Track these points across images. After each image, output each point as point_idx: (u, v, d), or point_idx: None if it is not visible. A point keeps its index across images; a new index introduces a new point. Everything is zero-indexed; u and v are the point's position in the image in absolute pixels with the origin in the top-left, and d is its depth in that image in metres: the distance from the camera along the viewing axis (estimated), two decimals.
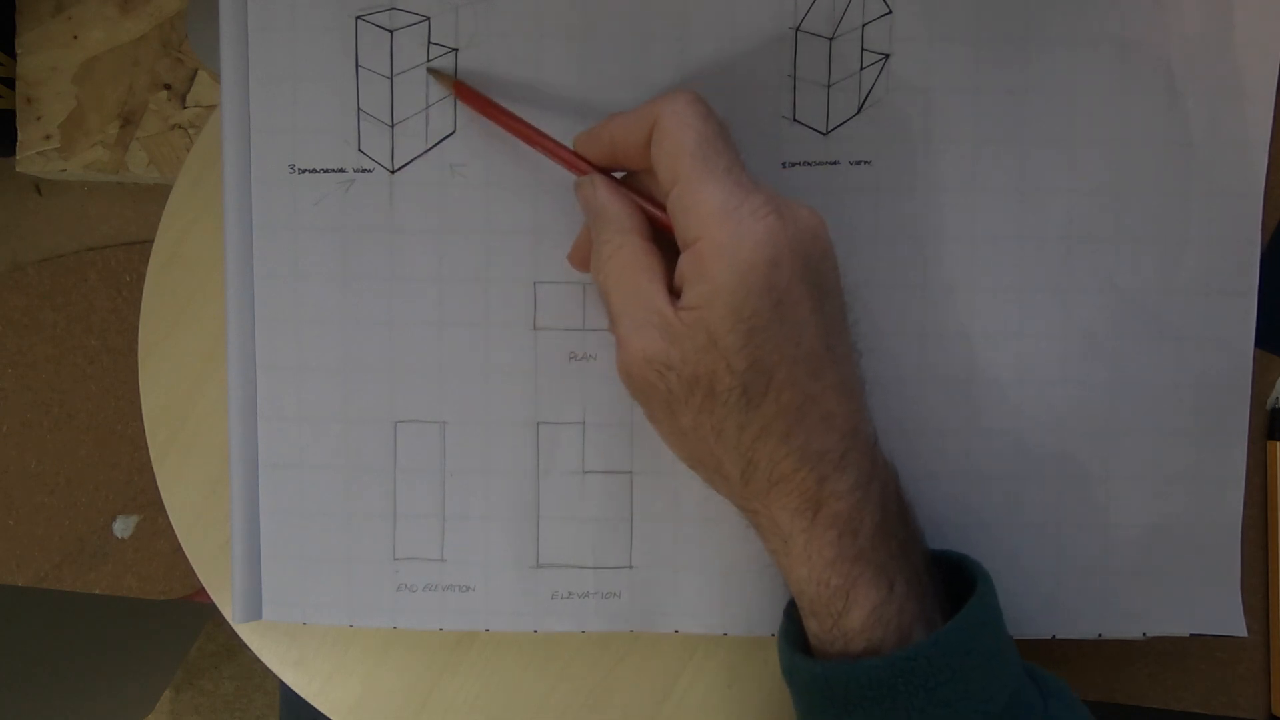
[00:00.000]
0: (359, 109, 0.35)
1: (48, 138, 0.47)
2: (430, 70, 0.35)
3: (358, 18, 0.35)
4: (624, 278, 0.29)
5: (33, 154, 0.48)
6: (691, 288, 0.27)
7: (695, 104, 0.28)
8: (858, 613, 0.28)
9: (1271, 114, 0.34)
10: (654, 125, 0.28)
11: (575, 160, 0.32)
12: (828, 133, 0.35)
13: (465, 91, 0.34)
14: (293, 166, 0.36)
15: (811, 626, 0.30)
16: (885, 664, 0.27)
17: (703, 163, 0.27)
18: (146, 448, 0.40)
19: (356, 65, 0.35)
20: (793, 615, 0.32)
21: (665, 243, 0.30)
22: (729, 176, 0.27)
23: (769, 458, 0.28)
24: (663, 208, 0.29)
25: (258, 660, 0.39)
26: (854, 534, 0.28)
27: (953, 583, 0.31)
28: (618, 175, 0.32)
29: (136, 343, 0.41)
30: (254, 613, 0.37)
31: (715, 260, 0.27)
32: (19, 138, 0.48)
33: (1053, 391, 0.35)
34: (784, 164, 0.35)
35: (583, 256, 0.33)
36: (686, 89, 0.29)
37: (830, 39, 0.35)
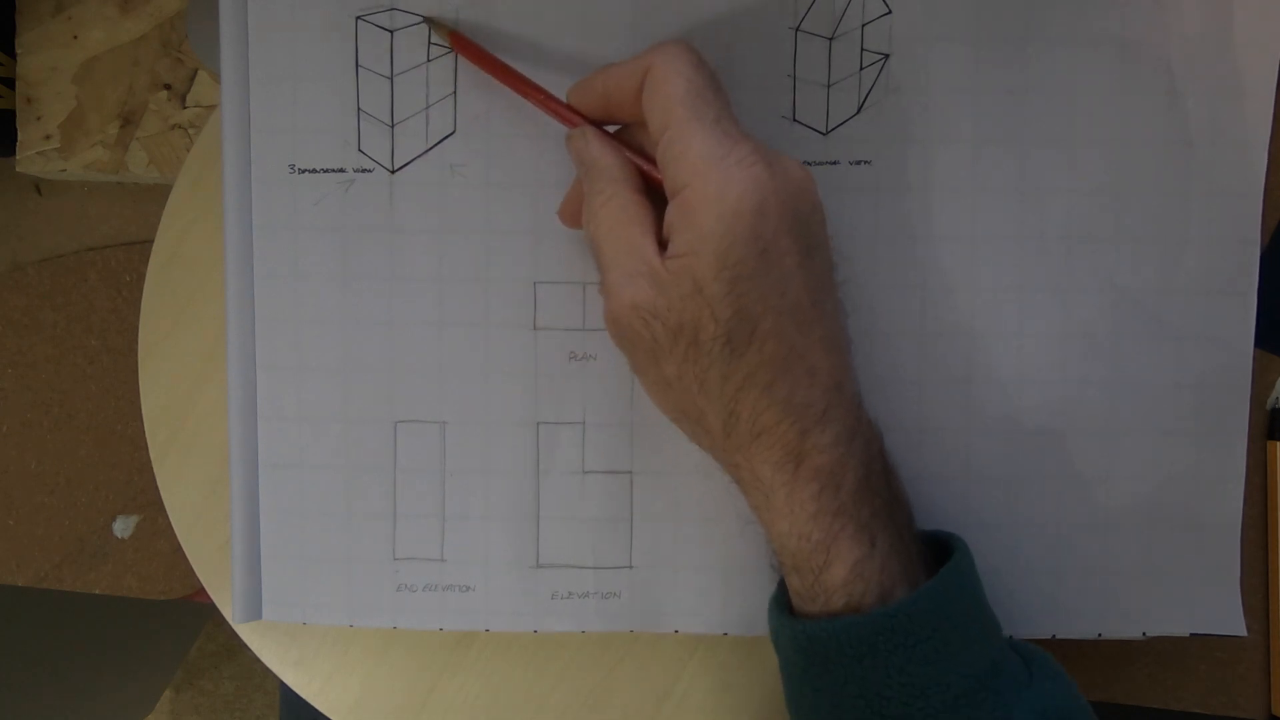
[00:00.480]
0: (359, 109, 0.35)
1: (48, 138, 0.47)
2: (427, 20, 0.35)
3: (358, 18, 0.35)
4: (614, 229, 0.29)
5: (33, 154, 0.48)
6: (678, 236, 0.27)
7: (687, 53, 0.28)
8: (839, 568, 0.28)
9: (1271, 114, 0.34)
10: (646, 74, 0.28)
11: (568, 113, 0.32)
12: (827, 133, 0.35)
13: (462, 42, 0.34)
14: (293, 166, 0.36)
15: (793, 583, 0.30)
16: (865, 621, 0.27)
17: (692, 111, 0.27)
18: (146, 448, 0.40)
19: (356, 65, 0.35)
20: (785, 584, 0.32)
21: (656, 196, 0.30)
22: (718, 126, 0.27)
23: (751, 408, 0.28)
24: (654, 161, 0.29)
25: (258, 660, 0.39)
26: (836, 488, 0.28)
27: (939, 557, 0.31)
28: (610, 130, 0.32)
29: (136, 343, 0.41)
30: (254, 613, 0.37)
31: (702, 207, 0.27)
32: (19, 138, 0.48)
33: (1053, 391, 0.35)
34: None
35: (573, 211, 0.33)
36: (679, 39, 0.29)
37: (830, 39, 0.35)
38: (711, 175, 0.27)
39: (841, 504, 0.28)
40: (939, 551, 0.31)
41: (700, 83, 0.28)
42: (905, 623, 0.27)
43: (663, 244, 0.28)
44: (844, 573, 0.28)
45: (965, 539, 0.31)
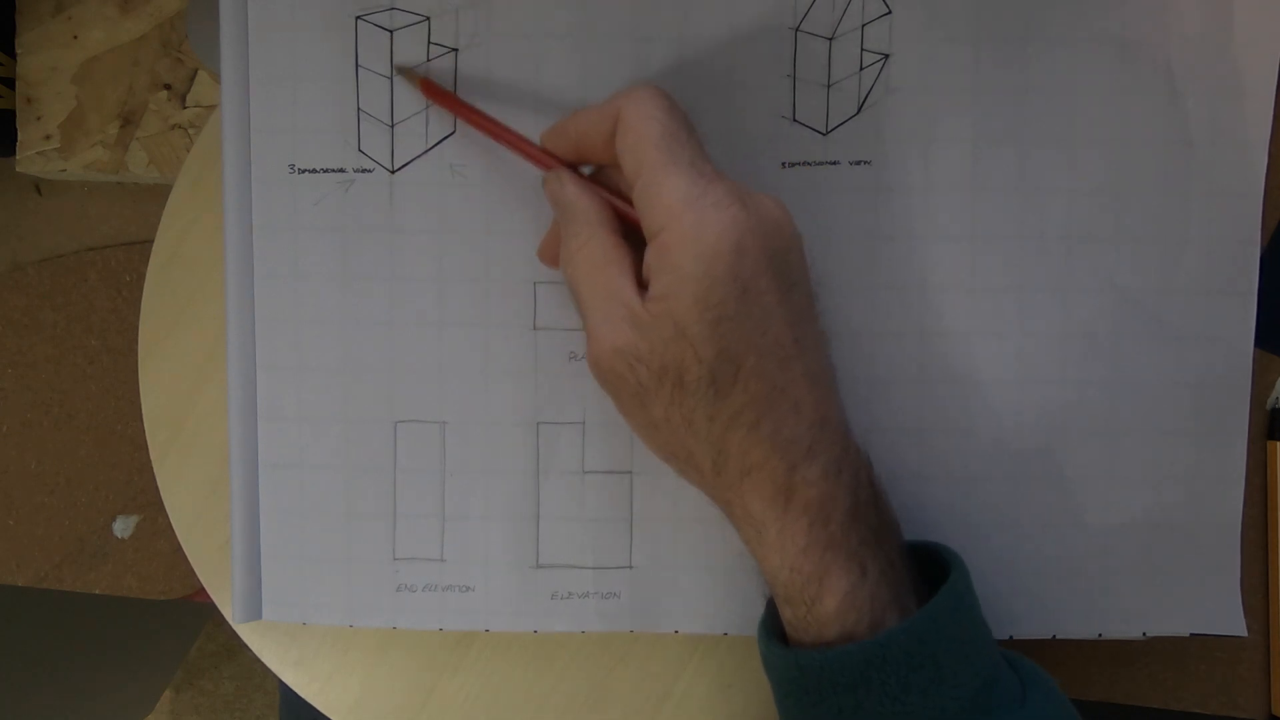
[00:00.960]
0: (359, 109, 0.35)
1: (48, 138, 0.47)
2: (398, 69, 0.35)
3: (358, 18, 0.35)
4: (592, 272, 0.29)
5: (33, 154, 0.48)
6: (658, 279, 0.28)
7: (658, 97, 0.29)
8: (830, 599, 0.28)
9: (1271, 114, 0.34)
10: (617, 119, 0.29)
11: (542, 156, 0.32)
12: (827, 133, 0.35)
13: (432, 89, 0.34)
14: (293, 166, 0.36)
15: (786, 614, 0.30)
16: (857, 650, 0.27)
17: (666, 154, 0.28)
18: (146, 448, 0.40)
19: (356, 65, 0.35)
20: (773, 606, 0.32)
21: (633, 236, 0.30)
22: (692, 168, 0.28)
23: (739, 447, 0.28)
24: (629, 201, 0.29)
25: (258, 660, 0.39)
26: (825, 521, 0.28)
27: (930, 572, 0.31)
28: (585, 170, 0.32)
29: (136, 343, 0.41)
30: (254, 613, 0.37)
31: (680, 250, 0.27)
32: (19, 138, 0.48)
33: (1053, 391, 0.35)
34: (784, 164, 0.35)
35: (552, 253, 0.33)
36: (648, 83, 0.29)
37: (830, 39, 0.35)
38: (688, 217, 0.27)
39: (831, 535, 0.28)
40: (930, 565, 0.31)
41: (673, 125, 0.28)
42: (897, 652, 0.27)
43: (642, 285, 0.29)
44: (836, 603, 0.28)
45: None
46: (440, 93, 0.34)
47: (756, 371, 0.27)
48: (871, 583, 0.28)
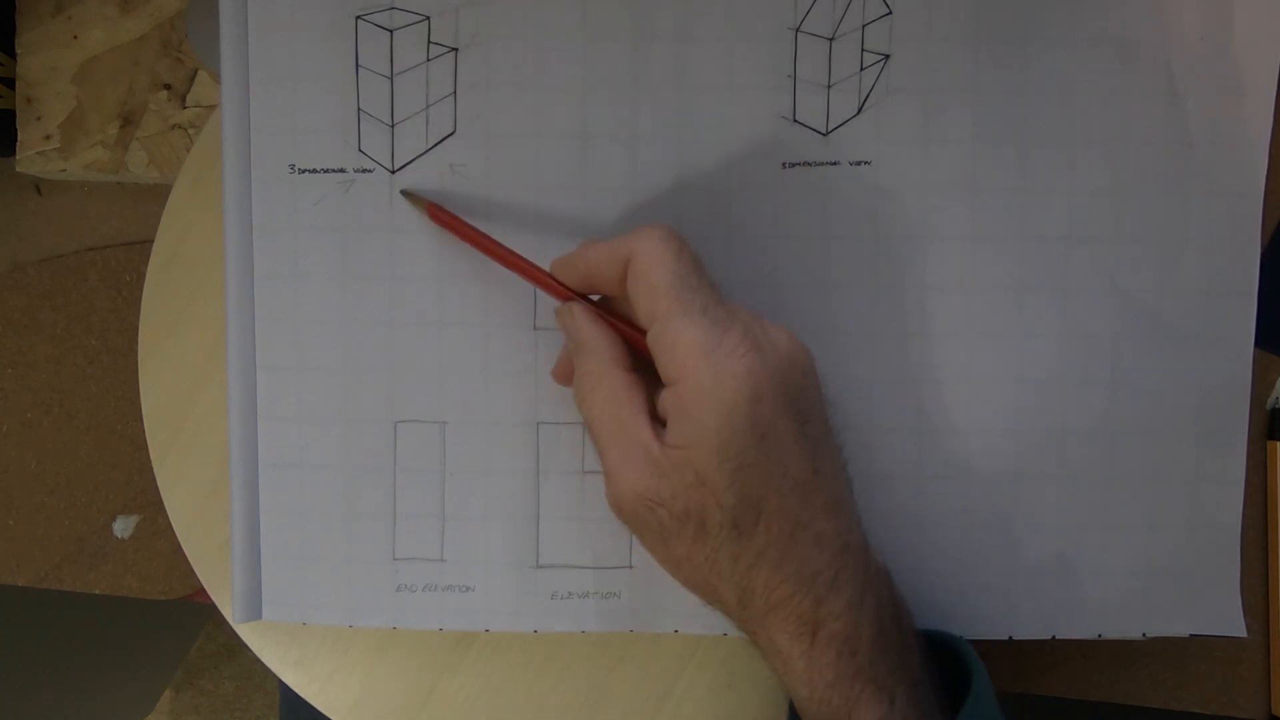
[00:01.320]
0: (359, 109, 0.35)
1: (48, 138, 0.47)
2: (404, 194, 0.35)
3: (358, 17, 0.35)
4: (608, 411, 0.29)
5: (33, 154, 0.48)
6: (676, 427, 0.28)
7: (668, 240, 0.29)
8: None
9: (1271, 114, 0.34)
10: (628, 261, 0.29)
11: (554, 285, 0.32)
12: (828, 133, 0.35)
13: (440, 215, 0.34)
14: (293, 166, 0.36)
15: None
16: None
17: (678, 302, 0.28)
18: (146, 448, 0.40)
19: (356, 65, 0.35)
20: (795, 715, 0.32)
21: (647, 368, 0.30)
22: (706, 316, 0.28)
23: (764, 585, 0.28)
24: (643, 331, 0.29)
25: (258, 660, 0.39)
26: (853, 652, 0.28)
27: (946, 666, 0.31)
28: (595, 297, 0.32)
29: (136, 343, 0.41)
30: (254, 613, 0.37)
31: (698, 402, 0.27)
32: (19, 138, 0.48)
33: (1052, 392, 0.35)
34: (784, 164, 0.35)
35: (565, 375, 0.34)
36: (658, 224, 0.29)
37: (830, 39, 0.35)
38: (704, 369, 0.27)
39: (859, 666, 0.28)
40: (947, 658, 0.31)
41: (683, 270, 0.28)
42: None
43: (658, 419, 0.29)
44: None
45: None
46: (449, 218, 0.34)
47: (778, 512, 0.28)
48: (900, 710, 0.28)
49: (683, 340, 0.27)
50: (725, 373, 0.27)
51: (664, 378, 0.28)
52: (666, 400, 0.28)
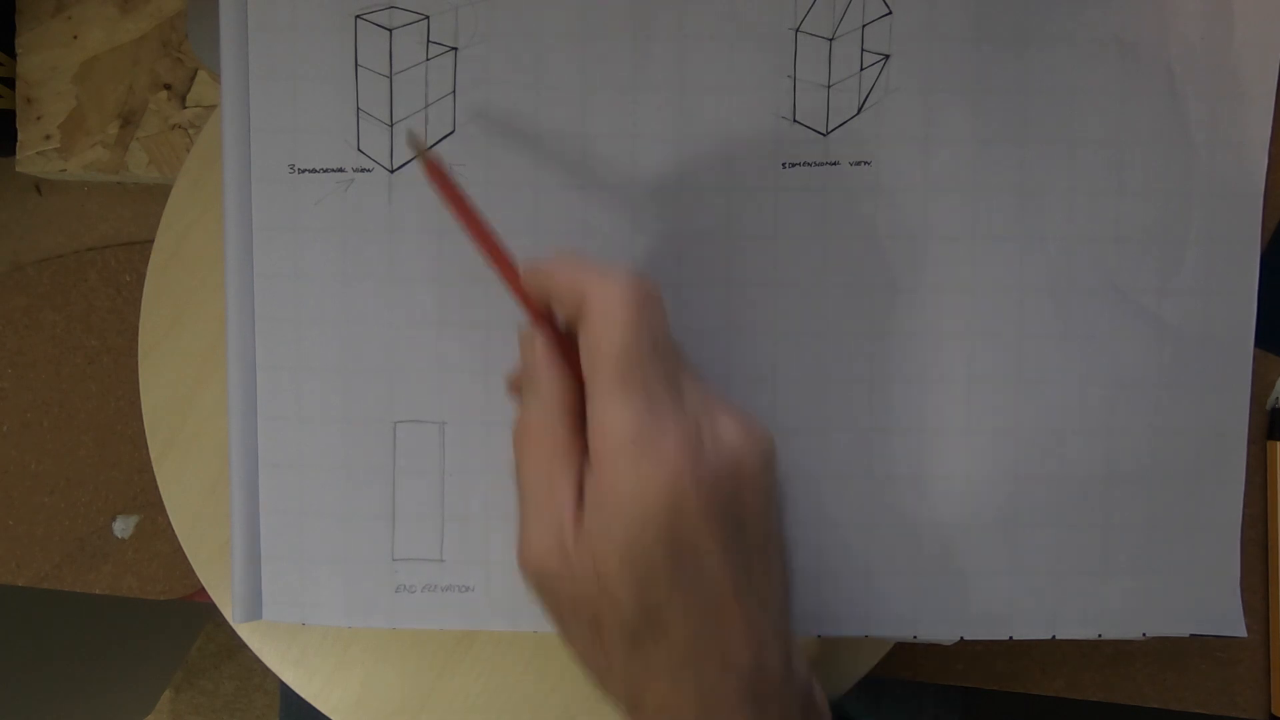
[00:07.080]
0: (359, 108, 0.35)
1: (48, 138, 0.47)
2: (409, 136, 0.33)
3: (357, 17, 0.35)
4: (539, 469, 0.27)
5: (33, 154, 0.48)
6: (591, 516, 0.26)
7: (627, 300, 0.26)
8: None
9: (1271, 114, 0.34)
10: (583, 305, 0.27)
11: (521, 293, 0.29)
12: (828, 133, 0.35)
13: (438, 174, 0.31)
14: (293, 166, 0.36)
15: None
16: None
17: (618, 379, 0.25)
18: (146, 448, 0.40)
19: (356, 65, 0.35)
20: None
21: None
22: (646, 397, 0.25)
23: (657, 701, 0.26)
24: None
25: (258, 660, 0.39)
26: None
27: None
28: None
29: (136, 343, 0.41)
30: (254, 613, 0.37)
31: (612, 504, 0.25)
32: (19, 138, 0.48)
33: (1053, 392, 0.35)
34: (784, 164, 0.35)
35: (518, 387, 0.32)
36: (625, 275, 0.26)
37: (830, 39, 0.35)
38: (627, 468, 0.25)
39: None
40: None
41: (636, 339, 0.25)
42: None
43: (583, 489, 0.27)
44: None
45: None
46: (444, 182, 0.31)
47: (683, 631, 0.25)
48: None
49: (614, 426, 0.25)
50: (647, 480, 0.24)
51: (591, 455, 0.26)
52: (590, 481, 0.26)
